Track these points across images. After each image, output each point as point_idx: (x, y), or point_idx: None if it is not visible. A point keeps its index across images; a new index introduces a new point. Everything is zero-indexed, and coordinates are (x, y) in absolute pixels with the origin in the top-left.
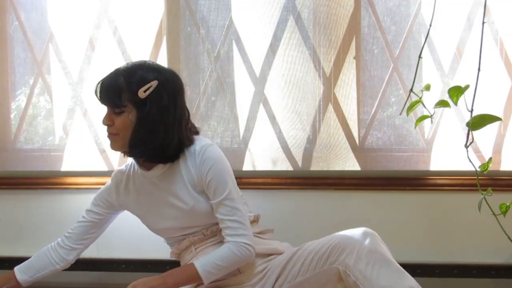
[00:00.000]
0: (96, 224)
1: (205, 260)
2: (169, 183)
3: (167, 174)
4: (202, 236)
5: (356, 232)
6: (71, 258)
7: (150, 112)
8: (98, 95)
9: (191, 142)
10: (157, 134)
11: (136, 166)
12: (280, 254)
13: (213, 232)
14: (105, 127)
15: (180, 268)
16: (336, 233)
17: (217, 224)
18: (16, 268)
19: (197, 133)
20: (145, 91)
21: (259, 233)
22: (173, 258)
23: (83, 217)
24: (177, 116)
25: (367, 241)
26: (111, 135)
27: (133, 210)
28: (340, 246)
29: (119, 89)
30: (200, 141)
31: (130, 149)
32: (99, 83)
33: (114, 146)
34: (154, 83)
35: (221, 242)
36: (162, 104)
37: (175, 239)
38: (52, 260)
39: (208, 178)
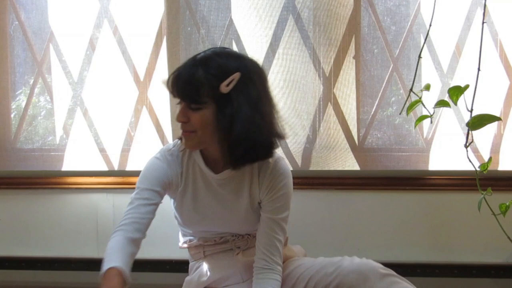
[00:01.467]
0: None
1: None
2: (230, 191)
3: (231, 180)
4: (214, 242)
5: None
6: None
7: (241, 108)
8: (172, 87)
9: (280, 142)
10: (256, 131)
11: (199, 162)
12: (286, 259)
13: (225, 240)
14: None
15: None
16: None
17: (243, 235)
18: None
19: (283, 137)
20: (227, 85)
21: None
22: (183, 246)
23: (145, 200)
24: (269, 109)
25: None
26: (186, 133)
27: (179, 201)
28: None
29: (198, 83)
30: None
31: (230, 153)
32: (173, 73)
33: (189, 145)
34: (237, 75)
35: (231, 250)
36: (251, 97)
37: (197, 234)
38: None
39: (279, 193)
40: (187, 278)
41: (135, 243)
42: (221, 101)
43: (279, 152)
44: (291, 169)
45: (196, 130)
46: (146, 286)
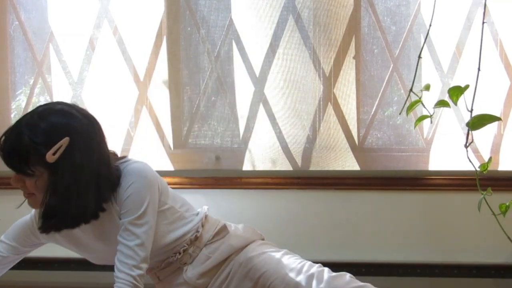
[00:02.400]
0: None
1: None
2: (102, 231)
3: (94, 225)
4: (158, 267)
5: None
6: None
7: (63, 176)
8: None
9: (118, 179)
10: (70, 200)
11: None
12: (241, 249)
13: (169, 262)
14: None
15: None
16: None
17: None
18: None
19: (121, 158)
20: (54, 154)
21: (215, 236)
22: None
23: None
24: (94, 171)
25: None
26: (27, 196)
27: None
28: None
29: (24, 153)
30: (126, 162)
31: (43, 222)
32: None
33: (32, 205)
34: (65, 142)
35: (178, 268)
36: (75, 164)
37: None
38: None
39: (125, 195)
40: None
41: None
42: (51, 168)
43: (276, 152)
44: (287, 168)
45: (35, 193)
46: (146, 286)
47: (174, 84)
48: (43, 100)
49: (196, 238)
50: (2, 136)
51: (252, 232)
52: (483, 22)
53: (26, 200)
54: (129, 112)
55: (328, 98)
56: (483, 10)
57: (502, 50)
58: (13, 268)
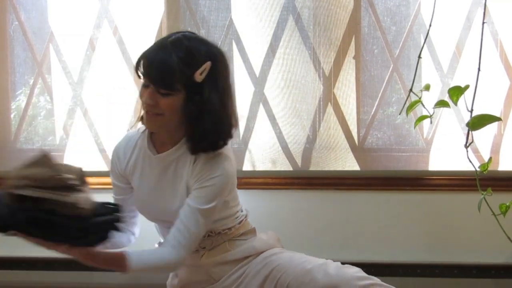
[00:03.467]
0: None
1: (144, 256)
2: (170, 176)
3: (172, 163)
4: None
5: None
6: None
7: (210, 99)
8: (145, 71)
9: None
10: (222, 123)
11: (145, 143)
12: (260, 252)
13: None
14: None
15: (111, 256)
16: (319, 266)
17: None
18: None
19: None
20: (201, 74)
21: (242, 235)
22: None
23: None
24: (231, 101)
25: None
26: (153, 115)
27: (133, 185)
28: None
29: (172, 70)
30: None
31: (197, 143)
32: (145, 57)
33: (152, 126)
34: (208, 65)
35: (197, 251)
36: (218, 88)
37: (157, 229)
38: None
39: (206, 183)
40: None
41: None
42: (191, 89)
43: (276, 152)
44: (287, 168)
45: (164, 114)
46: (146, 286)
47: None
48: (43, 100)
49: (227, 230)
50: (149, 52)
51: (276, 240)
52: (483, 22)
53: (144, 119)
54: (129, 112)
55: (328, 98)
56: (483, 10)
57: (502, 50)
58: (13, 268)
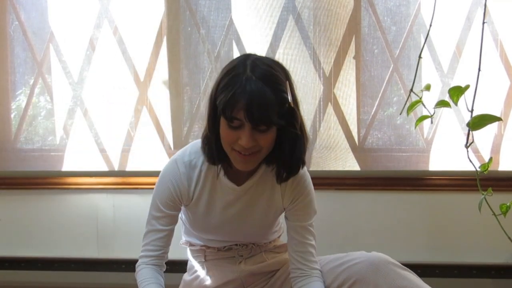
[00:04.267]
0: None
1: None
2: (246, 202)
3: (250, 190)
4: (217, 249)
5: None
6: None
7: (301, 119)
8: (247, 115)
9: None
10: (302, 142)
11: (218, 171)
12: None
13: (229, 248)
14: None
15: None
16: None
17: (247, 244)
18: None
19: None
20: (289, 97)
21: (276, 247)
22: (183, 244)
23: (159, 229)
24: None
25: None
26: (249, 155)
27: (192, 210)
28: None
29: (272, 105)
30: None
31: (289, 170)
32: (241, 86)
33: (250, 166)
34: (287, 85)
35: (233, 257)
36: (297, 100)
37: (202, 240)
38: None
39: (305, 200)
40: (186, 278)
41: (162, 269)
42: (286, 116)
43: None
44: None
45: (261, 150)
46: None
47: (174, 84)
48: (43, 100)
49: (268, 243)
50: (251, 92)
51: None
52: (483, 22)
53: (235, 160)
54: (129, 112)
55: (328, 98)
56: (483, 10)
57: (502, 50)
58: (13, 268)
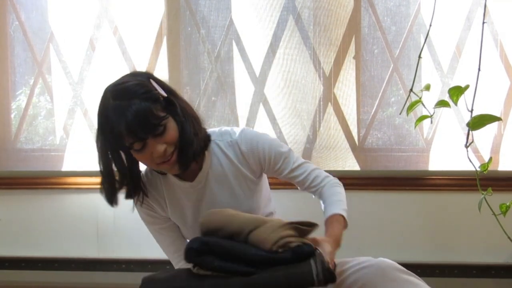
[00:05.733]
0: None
1: (336, 204)
2: (215, 186)
3: (209, 177)
4: None
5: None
6: None
7: (181, 104)
8: (133, 136)
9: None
10: (197, 128)
11: (170, 178)
12: None
13: None
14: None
15: (332, 224)
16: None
17: None
18: None
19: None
20: (160, 91)
21: None
22: None
23: (170, 235)
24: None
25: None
26: (168, 162)
27: (176, 220)
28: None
29: (147, 110)
30: (227, 131)
31: (185, 153)
32: (121, 128)
33: (177, 168)
34: (151, 82)
35: None
36: (173, 93)
37: None
38: None
39: (268, 154)
40: None
41: None
42: (169, 108)
43: None
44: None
45: (174, 146)
46: None
47: (174, 84)
48: (43, 100)
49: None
50: (126, 116)
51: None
52: (483, 22)
53: (165, 169)
54: None
55: (328, 98)
56: (483, 10)
57: (502, 50)
58: (13, 268)
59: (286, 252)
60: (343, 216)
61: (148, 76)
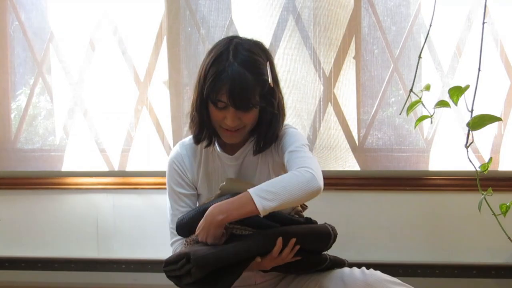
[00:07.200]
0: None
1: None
2: (248, 164)
3: (249, 154)
4: None
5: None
6: None
7: (280, 98)
8: (229, 99)
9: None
10: (278, 119)
11: (212, 147)
12: None
13: None
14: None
15: (235, 198)
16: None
17: None
18: None
19: None
20: (269, 78)
21: None
22: None
23: (182, 211)
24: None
25: None
26: (234, 131)
27: (204, 193)
28: None
29: (251, 88)
30: None
31: (266, 142)
32: (224, 71)
33: (235, 140)
34: (268, 64)
35: None
36: (277, 81)
37: None
38: None
39: (284, 142)
40: None
41: None
42: (266, 96)
43: None
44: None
45: (245, 126)
46: (147, 286)
47: (174, 84)
48: (43, 100)
49: None
50: (231, 79)
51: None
52: (484, 22)
53: (222, 135)
54: (129, 112)
55: (328, 98)
56: (483, 10)
57: (503, 50)
58: (13, 268)
59: (300, 218)
60: (252, 201)
61: (267, 57)
